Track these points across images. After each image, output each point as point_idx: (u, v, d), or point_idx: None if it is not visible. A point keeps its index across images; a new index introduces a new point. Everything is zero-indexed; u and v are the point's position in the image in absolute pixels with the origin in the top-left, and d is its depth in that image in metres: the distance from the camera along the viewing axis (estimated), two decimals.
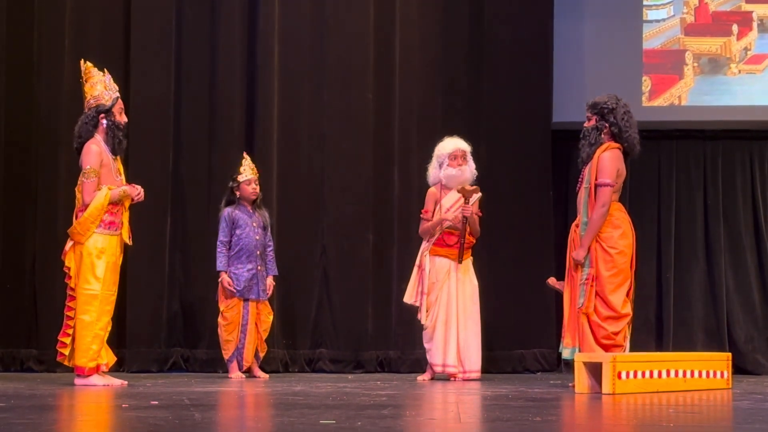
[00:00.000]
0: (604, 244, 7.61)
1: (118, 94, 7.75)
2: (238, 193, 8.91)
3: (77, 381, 7.52)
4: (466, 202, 8.55)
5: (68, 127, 9.54)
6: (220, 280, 8.80)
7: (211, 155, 9.72)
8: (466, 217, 8.54)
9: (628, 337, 7.70)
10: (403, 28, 10.03)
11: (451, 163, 8.62)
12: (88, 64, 7.77)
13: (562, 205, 10.34)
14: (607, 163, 7.65)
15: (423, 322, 8.59)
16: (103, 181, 7.58)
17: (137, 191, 7.71)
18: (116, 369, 9.45)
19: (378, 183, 9.91)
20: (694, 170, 10.51)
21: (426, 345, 8.64)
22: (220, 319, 8.80)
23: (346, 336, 9.74)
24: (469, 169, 8.71)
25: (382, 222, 9.88)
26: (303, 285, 9.73)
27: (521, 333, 9.89)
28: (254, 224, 8.88)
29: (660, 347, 10.12)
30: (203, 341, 9.56)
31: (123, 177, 7.78)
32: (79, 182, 7.59)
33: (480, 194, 8.61)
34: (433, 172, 8.79)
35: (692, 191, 10.49)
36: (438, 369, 8.55)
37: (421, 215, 8.74)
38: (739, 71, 10.38)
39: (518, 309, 9.88)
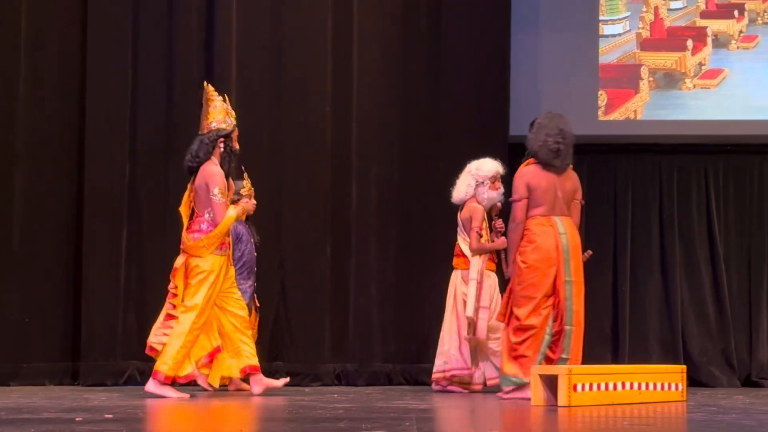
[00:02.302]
0: (519, 258, 7.79)
1: (235, 122, 8.15)
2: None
3: (149, 386, 7.81)
4: (495, 218, 8.75)
5: (24, 140, 9.54)
6: None
7: (168, 168, 9.67)
8: (500, 232, 8.74)
9: (540, 350, 7.69)
10: (361, 41, 10.04)
11: (492, 186, 8.73)
12: (210, 87, 8.14)
13: None
14: (515, 181, 7.90)
15: (482, 336, 8.60)
16: None
17: (252, 204, 8.34)
18: (70, 382, 9.43)
19: (336, 196, 9.90)
20: (649, 184, 10.59)
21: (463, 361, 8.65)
22: None
23: (303, 349, 9.70)
24: (501, 191, 8.85)
25: (339, 235, 9.87)
26: (260, 298, 9.68)
27: None
28: (252, 239, 8.90)
29: (616, 359, 10.17)
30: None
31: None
32: (203, 203, 7.94)
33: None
34: (466, 188, 8.81)
35: (648, 204, 10.57)
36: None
37: (477, 231, 8.75)
38: (694, 86, 10.47)
39: None
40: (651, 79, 10.50)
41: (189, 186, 8.14)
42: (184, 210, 8.06)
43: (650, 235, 10.52)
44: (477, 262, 8.71)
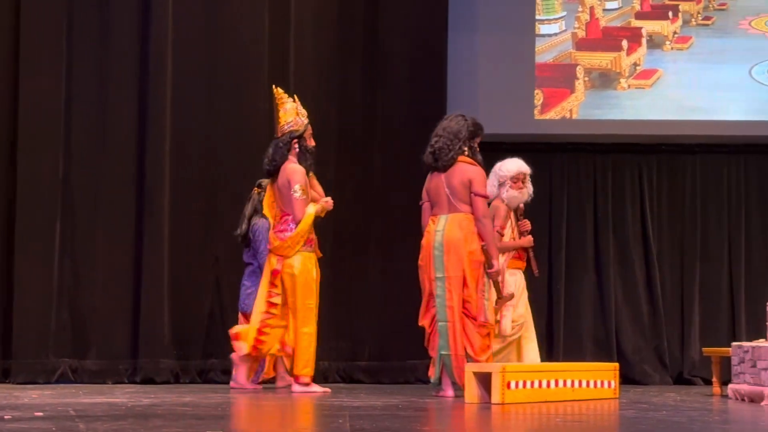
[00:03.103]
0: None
1: (308, 120, 8.33)
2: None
3: (296, 389, 8.08)
4: (521, 216, 8.69)
5: None
6: None
7: (102, 161, 9.59)
8: (526, 231, 8.71)
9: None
10: (298, 38, 10.01)
11: (513, 186, 8.67)
12: (279, 90, 8.37)
13: None
14: None
15: (506, 333, 8.56)
16: None
17: (331, 202, 8.32)
18: (1, 380, 9.30)
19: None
20: (584, 183, 10.67)
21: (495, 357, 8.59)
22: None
23: None
24: (527, 191, 8.78)
25: None
26: (195, 294, 9.64)
27: (415, 343, 9.88)
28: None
29: (550, 357, 10.23)
30: (92, 351, 9.41)
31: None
32: (287, 201, 8.13)
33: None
34: (491, 188, 8.66)
35: (583, 203, 10.65)
36: None
37: (497, 230, 8.71)
38: (629, 86, 10.56)
39: (412, 319, 9.88)
40: (586, 78, 10.58)
41: (269, 187, 8.39)
42: (269, 211, 8.33)
43: (585, 233, 10.61)
44: (505, 259, 8.75)
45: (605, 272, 10.53)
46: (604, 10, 10.67)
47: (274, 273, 8.17)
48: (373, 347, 9.86)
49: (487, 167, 8.11)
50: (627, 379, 9.98)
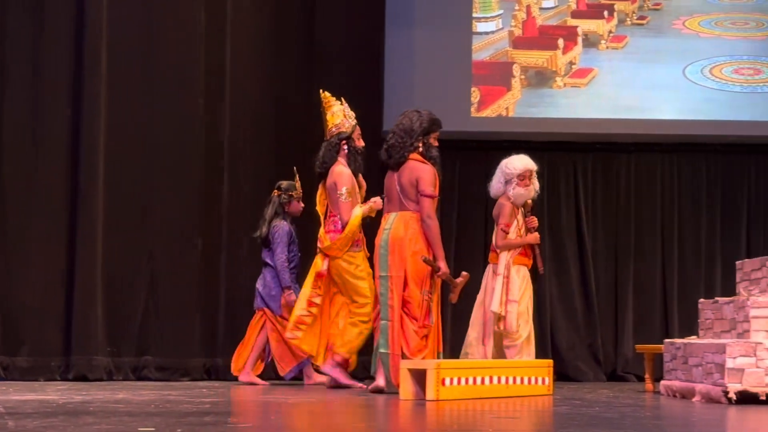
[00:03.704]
0: None
1: (355, 121, 8.52)
2: (287, 208, 9.00)
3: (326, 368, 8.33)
4: (528, 213, 8.68)
5: None
6: (287, 297, 8.84)
7: (35, 159, 9.48)
8: (533, 228, 8.70)
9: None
10: (235, 34, 9.97)
11: (520, 183, 8.64)
12: (327, 93, 8.55)
13: None
14: None
15: (513, 330, 8.53)
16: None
17: (379, 202, 8.24)
18: None
19: (207, 189, 9.82)
20: None
21: (514, 356, 8.52)
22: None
23: (172, 343, 9.60)
24: (534, 188, 8.75)
25: (210, 227, 9.80)
26: (129, 291, 9.56)
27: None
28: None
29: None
30: (24, 348, 9.30)
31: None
32: (334, 202, 8.31)
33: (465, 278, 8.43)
34: (497, 184, 8.73)
35: None
36: None
37: (501, 228, 8.66)
38: (565, 84, 10.63)
39: None
40: (523, 76, 10.62)
41: (320, 187, 8.54)
42: (320, 209, 8.51)
43: None
44: (505, 258, 8.74)
45: None
46: (541, 8, 10.72)
47: (319, 275, 8.37)
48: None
49: None
50: (561, 375, 10.04)
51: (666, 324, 10.61)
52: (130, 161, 9.70)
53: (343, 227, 8.32)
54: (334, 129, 8.51)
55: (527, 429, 5.20)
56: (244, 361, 8.98)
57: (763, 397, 6.66)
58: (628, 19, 10.75)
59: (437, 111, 10.14)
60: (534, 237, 8.69)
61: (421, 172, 7.59)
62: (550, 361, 8.09)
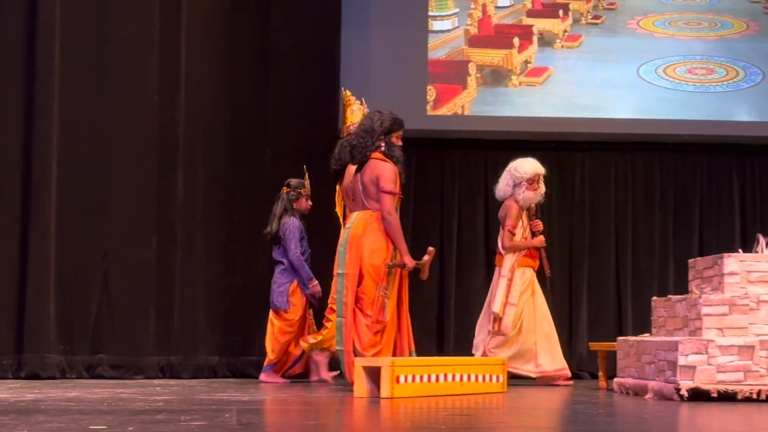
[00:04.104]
0: None
1: None
2: (296, 205, 9.05)
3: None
4: (533, 216, 8.88)
5: None
6: (312, 288, 8.97)
7: None
8: (539, 231, 8.86)
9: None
10: (190, 31, 9.92)
11: (529, 187, 8.81)
12: (348, 92, 8.66)
13: None
14: None
15: (507, 332, 8.55)
16: None
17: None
18: None
19: (162, 187, 9.77)
20: (475, 179, 10.75)
21: (494, 351, 8.64)
22: (286, 328, 8.90)
23: (126, 341, 9.54)
24: (541, 191, 8.91)
25: (165, 226, 9.75)
26: (82, 289, 9.50)
27: None
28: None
29: (441, 352, 10.29)
30: None
31: None
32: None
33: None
34: (504, 187, 8.92)
35: (474, 199, 10.72)
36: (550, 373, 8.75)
37: (508, 230, 8.82)
38: (520, 83, 10.66)
39: None
40: (478, 75, 10.65)
41: (337, 188, 8.64)
42: (339, 210, 8.63)
43: (476, 229, 10.68)
44: (510, 260, 8.83)
45: (494, 267, 10.59)
46: (496, 7, 10.75)
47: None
48: (263, 342, 9.80)
49: None
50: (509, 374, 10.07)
51: (620, 322, 10.67)
52: (84, 159, 9.63)
53: None
54: (352, 127, 8.54)
55: (480, 426, 5.21)
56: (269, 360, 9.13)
57: (715, 395, 6.71)
58: (582, 18, 10.80)
59: (393, 109, 10.15)
60: (540, 240, 8.82)
61: (381, 170, 7.64)
62: (504, 359, 8.13)
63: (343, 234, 7.71)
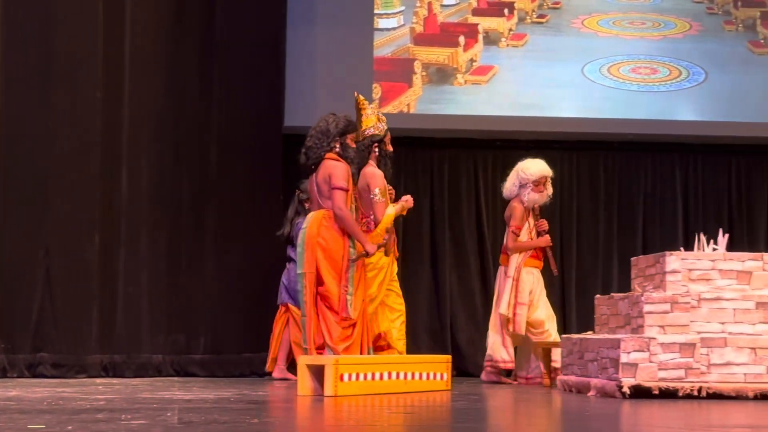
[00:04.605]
0: None
1: (386, 126, 8.62)
2: (307, 205, 9.03)
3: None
4: (538, 217, 8.95)
5: None
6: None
7: None
8: (544, 231, 8.91)
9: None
10: (134, 27, 9.85)
11: (535, 189, 8.88)
12: (361, 96, 8.65)
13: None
14: None
15: (520, 331, 8.67)
16: None
17: (410, 201, 8.63)
18: None
19: (105, 184, 9.69)
20: (421, 177, 10.76)
21: (507, 354, 8.69)
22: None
23: (69, 339, 9.45)
24: (547, 193, 8.97)
25: (109, 222, 9.67)
26: (24, 286, 9.40)
27: (250, 336, 9.86)
28: None
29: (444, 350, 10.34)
30: None
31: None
32: (367, 203, 8.33)
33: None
34: (511, 186, 9.00)
35: (419, 197, 10.68)
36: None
37: (512, 230, 8.90)
38: (465, 81, 10.68)
39: (248, 312, 9.86)
40: (424, 73, 10.66)
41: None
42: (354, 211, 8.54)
43: (421, 227, 10.69)
44: (515, 260, 8.86)
45: (441, 266, 10.64)
46: (442, 5, 10.76)
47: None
48: (207, 340, 9.78)
49: None
50: (461, 371, 10.12)
51: (564, 319, 10.72)
52: (26, 155, 9.54)
53: (376, 226, 8.50)
54: (367, 131, 8.62)
55: (423, 424, 5.21)
56: (274, 357, 9.26)
57: (656, 392, 6.77)
58: (528, 17, 10.84)
59: (339, 107, 10.16)
60: (545, 240, 8.89)
61: (332, 168, 7.74)
62: (449, 357, 8.15)
63: (300, 234, 7.75)
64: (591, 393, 7.10)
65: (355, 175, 7.86)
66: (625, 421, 5.41)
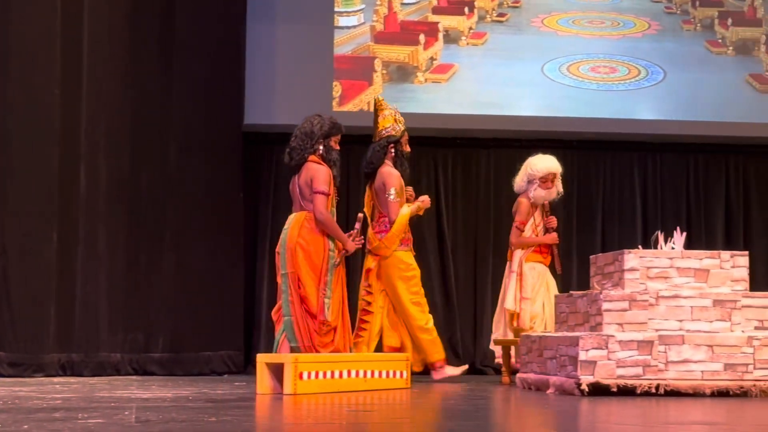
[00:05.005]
0: None
1: (404, 127, 8.85)
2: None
3: (436, 375, 8.75)
4: (546, 213, 8.97)
5: None
6: None
7: None
8: (552, 228, 8.90)
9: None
10: (92, 23, 9.78)
11: (542, 185, 8.90)
12: (380, 98, 8.95)
13: (253, 206, 10.40)
14: None
15: (527, 328, 8.65)
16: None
17: (428, 201, 8.91)
18: None
19: (63, 182, 9.62)
20: None
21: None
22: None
23: (26, 338, 9.37)
24: (556, 190, 8.98)
25: (67, 221, 9.60)
26: None
27: (209, 335, 9.82)
28: None
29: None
30: None
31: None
32: (383, 203, 8.69)
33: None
34: (520, 182, 9.04)
35: None
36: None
37: (516, 226, 8.95)
38: (426, 80, 10.69)
39: (207, 311, 9.82)
40: (384, 71, 10.66)
41: (367, 188, 8.90)
42: (367, 210, 8.85)
43: None
44: (518, 255, 8.82)
45: None
46: (402, 3, 10.76)
47: (368, 272, 8.78)
48: (166, 339, 9.73)
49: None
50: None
51: None
52: None
53: (392, 226, 8.66)
54: (383, 132, 8.85)
55: (382, 421, 5.21)
56: None
57: (615, 389, 6.80)
58: (488, 16, 10.86)
59: (299, 105, 10.19)
60: (551, 237, 8.91)
61: (314, 171, 7.80)
62: (408, 355, 8.16)
63: (282, 235, 7.79)
64: (550, 390, 7.12)
65: (337, 178, 7.91)
66: (583, 419, 5.43)
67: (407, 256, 8.78)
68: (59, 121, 9.67)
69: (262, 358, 7.13)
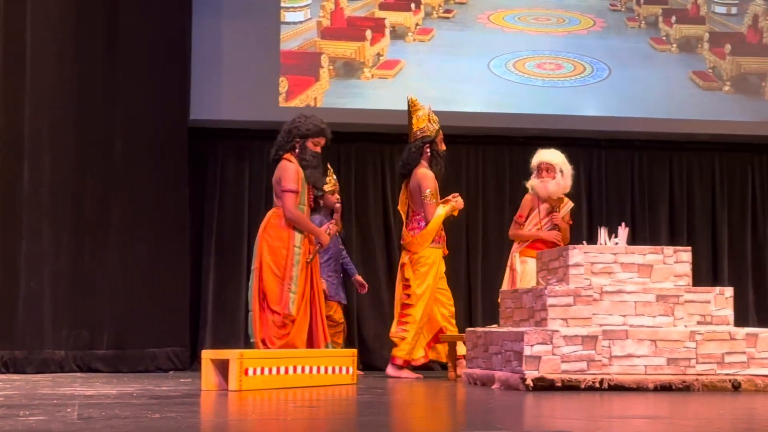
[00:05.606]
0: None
1: (439, 126, 8.98)
2: (322, 202, 9.12)
3: (390, 371, 8.82)
4: (556, 211, 8.91)
5: None
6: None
7: None
8: (556, 225, 8.88)
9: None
10: (35, 19, 9.70)
11: (537, 175, 8.94)
12: (413, 97, 8.99)
13: (199, 202, 10.35)
14: None
15: None
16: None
17: (461, 201, 9.04)
18: None
19: (6, 177, 9.54)
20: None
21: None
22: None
23: None
24: (555, 182, 8.90)
25: (10, 217, 9.52)
26: None
27: (154, 331, 9.77)
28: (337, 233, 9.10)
29: None
30: None
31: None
32: (418, 203, 8.87)
33: (570, 204, 9.01)
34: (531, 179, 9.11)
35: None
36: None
37: (515, 219, 9.03)
38: (372, 76, 10.69)
39: (152, 307, 9.77)
40: (331, 67, 10.65)
41: (403, 188, 9.09)
42: (402, 209, 9.07)
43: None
44: (515, 249, 8.79)
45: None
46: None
47: (403, 266, 8.93)
48: (111, 336, 9.67)
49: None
50: (367, 365, 10.13)
51: (470, 313, 10.79)
52: None
53: (427, 225, 8.80)
54: (418, 133, 8.98)
55: (328, 417, 5.21)
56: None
57: (559, 384, 6.84)
58: (434, 12, 10.88)
59: (245, 100, 10.19)
60: (551, 234, 8.83)
61: (283, 170, 7.93)
62: (354, 351, 8.16)
63: (259, 232, 7.95)
64: (495, 386, 7.15)
65: (310, 178, 7.96)
66: (527, 413, 5.45)
67: (435, 253, 8.90)
68: (2, 116, 9.58)
69: (207, 354, 7.10)
